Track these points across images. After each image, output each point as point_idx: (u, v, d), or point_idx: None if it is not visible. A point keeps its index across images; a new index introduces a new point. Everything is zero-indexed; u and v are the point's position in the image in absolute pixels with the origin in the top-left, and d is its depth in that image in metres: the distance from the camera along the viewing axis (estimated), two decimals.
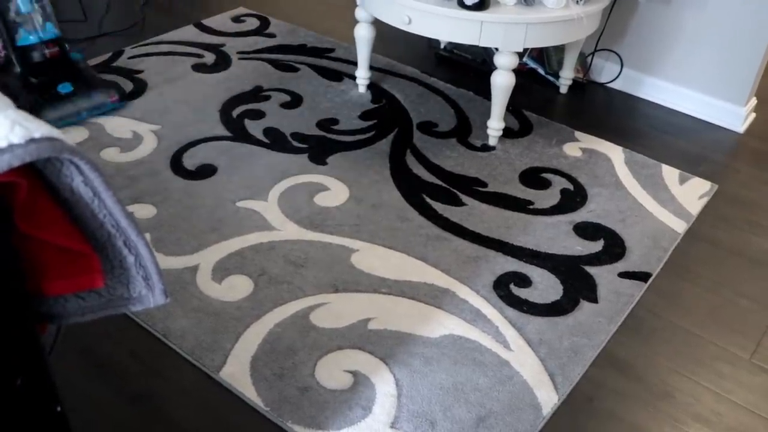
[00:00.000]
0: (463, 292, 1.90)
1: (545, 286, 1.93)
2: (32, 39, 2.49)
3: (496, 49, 2.32)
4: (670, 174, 2.40)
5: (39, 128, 0.75)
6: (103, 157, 2.34)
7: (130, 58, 2.93)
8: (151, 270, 0.91)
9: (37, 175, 0.83)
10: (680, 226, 2.17)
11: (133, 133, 2.46)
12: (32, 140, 0.73)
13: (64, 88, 2.52)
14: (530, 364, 1.71)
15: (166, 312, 1.80)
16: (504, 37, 2.25)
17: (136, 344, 1.74)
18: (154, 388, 1.64)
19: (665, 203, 2.26)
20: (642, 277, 1.98)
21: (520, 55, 2.28)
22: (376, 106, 2.69)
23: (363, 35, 2.63)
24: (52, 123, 2.44)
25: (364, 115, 2.63)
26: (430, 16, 2.28)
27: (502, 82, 2.35)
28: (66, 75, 2.56)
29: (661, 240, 2.12)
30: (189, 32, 3.16)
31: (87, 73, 2.63)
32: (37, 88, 2.49)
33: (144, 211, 2.12)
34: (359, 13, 2.59)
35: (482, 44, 2.27)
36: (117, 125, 2.50)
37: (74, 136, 2.44)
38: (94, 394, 1.62)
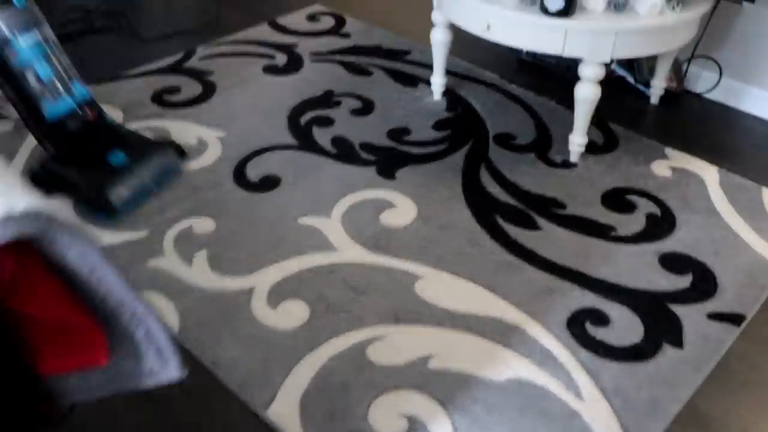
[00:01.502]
0: (534, 329, 1.75)
1: (624, 326, 1.77)
2: (65, 106, 2.08)
3: (582, 59, 2.14)
4: None
5: (22, 200, 0.66)
6: None
7: (201, 58, 2.88)
8: (164, 343, 0.82)
9: (30, 244, 0.74)
10: None
11: (198, 140, 2.40)
12: (10, 218, 0.63)
13: (116, 158, 2.13)
14: (603, 417, 1.56)
15: (216, 338, 1.73)
16: (590, 46, 2.07)
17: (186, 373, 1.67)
18: (200, 424, 1.57)
19: (765, 233, 2.04)
20: (735, 319, 1.79)
21: (608, 63, 2.12)
22: (451, 115, 2.55)
23: (439, 39, 2.48)
24: (125, 206, 2.07)
25: (438, 125, 2.49)
26: (510, 22, 2.12)
27: (587, 94, 2.17)
28: (110, 141, 2.17)
29: (759, 277, 1.91)
30: (263, 31, 3.08)
31: (129, 134, 2.27)
32: (85, 166, 2.09)
33: (202, 225, 2.05)
34: (436, 17, 2.45)
35: (566, 54, 2.10)
36: (182, 130, 2.44)
37: None
38: (138, 426, 1.55)
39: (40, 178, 2.13)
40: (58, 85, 2.06)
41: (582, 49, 2.08)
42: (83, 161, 2.11)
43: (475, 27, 2.20)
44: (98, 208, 2.04)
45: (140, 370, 0.84)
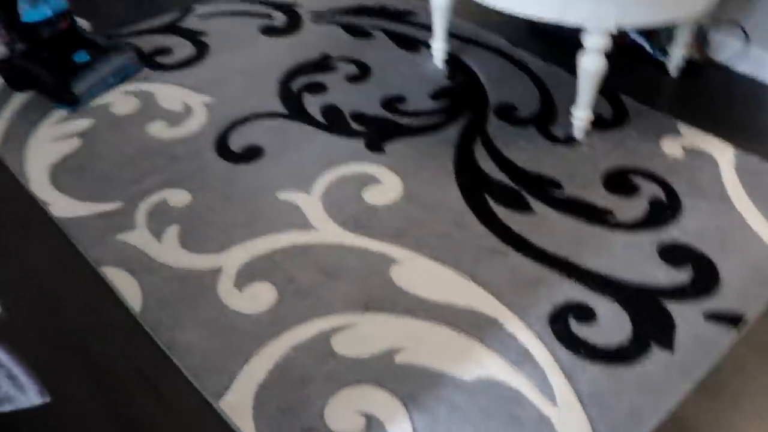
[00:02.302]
0: (513, 324, 1.63)
1: (611, 324, 1.63)
2: (40, 14, 2.27)
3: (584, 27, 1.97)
4: None
5: None
6: (148, 132, 2.19)
7: (198, 17, 2.76)
8: (16, 370, 0.73)
9: None
10: None
11: (183, 106, 2.30)
12: None
13: (80, 57, 2.34)
14: (576, 426, 1.44)
15: (176, 320, 1.65)
16: (592, 13, 1.90)
17: (142, 355, 1.60)
18: (150, 411, 1.49)
19: None
20: (734, 320, 1.64)
21: (616, 32, 1.94)
22: (451, 83, 2.40)
23: (439, 1, 2.32)
24: (85, 97, 2.31)
25: (437, 94, 2.34)
26: None
27: (591, 66, 2.00)
28: (77, 44, 2.37)
29: (766, 272, 1.75)
30: None
31: (96, 39, 2.46)
32: (52, 64, 2.30)
33: (177, 197, 1.96)
34: None
35: (566, 22, 1.93)
36: (169, 95, 2.34)
37: (124, 107, 2.30)
38: (82, 409, 1.49)
39: (10, 71, 2.34)
40: None
41: (583, 16, 1.91)
42: (50, 60, 2.30)
43: None
44: (61, 99, 2.28)
45: None
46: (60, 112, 2.27)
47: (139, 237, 1.85)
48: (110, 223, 1.89)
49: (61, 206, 1.95)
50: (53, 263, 1.81)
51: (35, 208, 1.96)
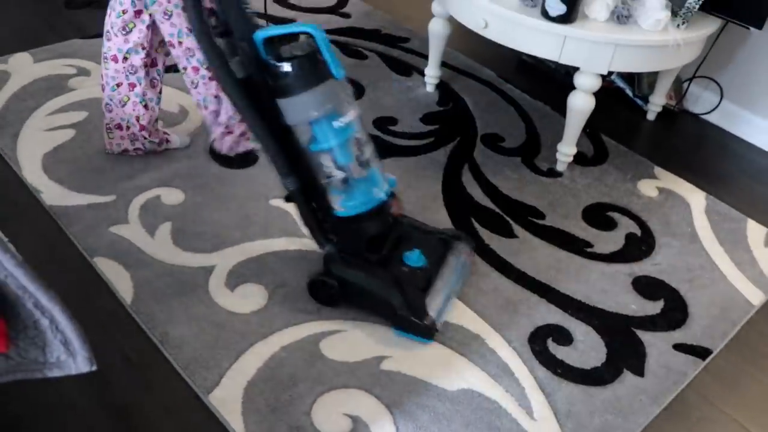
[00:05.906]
0: (494, 341, 1.70)
1: (587, 347, 1.72)
2: (366, 203, 1.60)
3: (578, 67, 2.08)
4: (755, 231, 2.12)
5: None
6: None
7: None
8: (71, 335, 0.76)
9: None
10: (757, 297, 1.91)
11: (179, 108, 2.34)
12: None
13: (413, 259, 1.70)
14: None
15: (168, 315, 1.68)
16: (588, 56, 2.01)
17: (132, 346, 1.62)
18: (140, 402, 1.52)
19: (743, 266, 2.00)
20: (700, 353, 1.74)
21: (607, 73, 2.04)
22: (442, 109, 2.49)
23: (437, 31, 2.42)
24: (439, 322, 1.67)
25: (427, 118, 2.43)
26: (508, 22, 2.05)
27: (580, 105, 2.11)
28: (402, 237, 1.75)
29: (730, 311, 1.86)
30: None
31: (418, 226, 1.83)
32: (392, 277, 1.65)
33: (171, 196, 2.00)
34: (435, 7, 2.38)
35: (563, 61, 2.04)
36: (165, 96, 2.37)
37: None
38: (73, 399, 1.51)
39: (325, 287, 1.71)
40: (359, 174, 1.57)
41: (579, 58, 2.02)
42: (385, 268, 1.68)
43: (472, 22, 2.14)
44: (417, 330, 1.66)
45: (46, 359, 0.79)
46: (53, 102, 2.29)
47: (132, 231, 1.88)
48: (103, 215, 1.92)
49: (54, 195, 1.97)
50: (44, 250, 1.83)
51: (27, 194, 1.97)
